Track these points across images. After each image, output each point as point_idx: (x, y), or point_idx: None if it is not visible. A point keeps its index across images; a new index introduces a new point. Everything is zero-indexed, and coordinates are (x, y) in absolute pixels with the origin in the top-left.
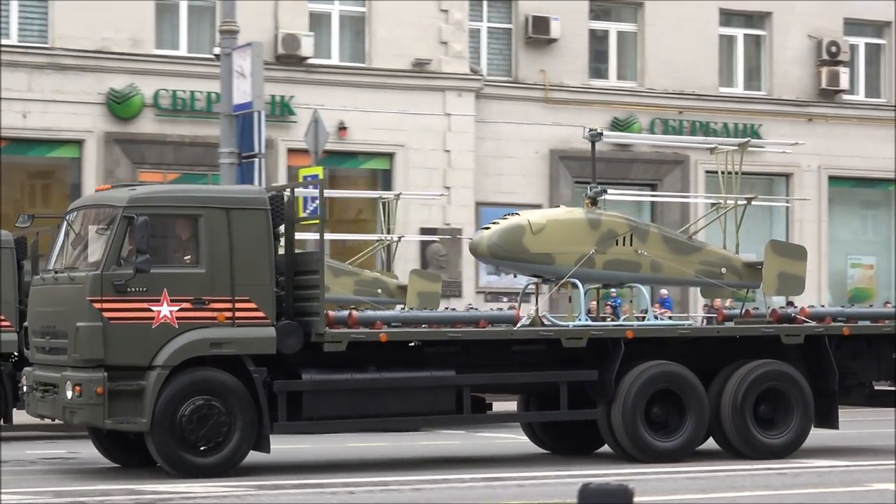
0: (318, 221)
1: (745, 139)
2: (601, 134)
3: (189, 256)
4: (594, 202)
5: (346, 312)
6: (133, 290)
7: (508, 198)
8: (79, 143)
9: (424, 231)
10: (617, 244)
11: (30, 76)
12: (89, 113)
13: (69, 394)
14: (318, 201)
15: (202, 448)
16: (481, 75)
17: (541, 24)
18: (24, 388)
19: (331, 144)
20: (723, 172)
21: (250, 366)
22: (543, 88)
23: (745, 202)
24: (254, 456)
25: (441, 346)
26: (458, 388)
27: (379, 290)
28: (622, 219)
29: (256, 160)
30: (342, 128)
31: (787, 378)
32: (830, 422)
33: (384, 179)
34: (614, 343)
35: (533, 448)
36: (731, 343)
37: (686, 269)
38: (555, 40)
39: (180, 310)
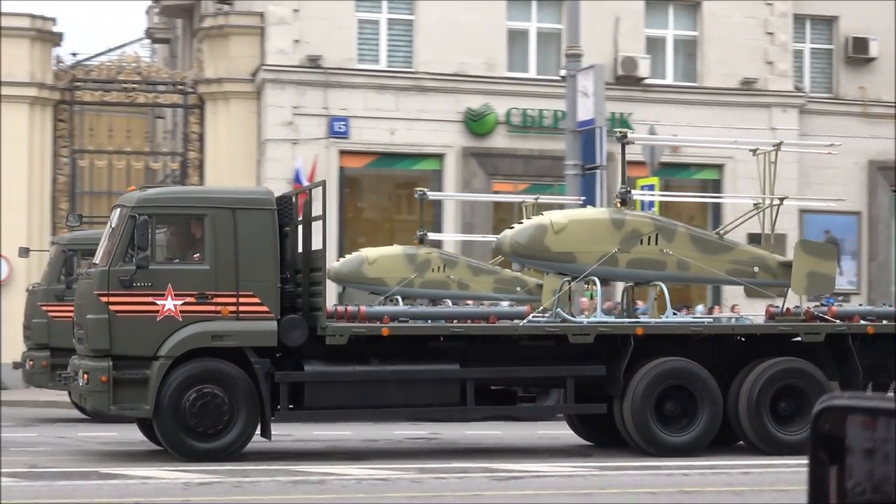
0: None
1: (779, 141)
2: (626, 135)
3: (197, 254)
4: (623, 202)
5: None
6: (138, 285)
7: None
8: (439, 157)
9: (751, 237)
10: (641, 243)
11: (396, 97)
12: (449, 130)
13: (81, 381)
14: (653, 208)
15: (205, 434)
16: (804, 92)
17: (860, 44)
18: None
19: (665, 157)
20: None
21: (252, 357)
22: (862, 104)
23: (779, 202)
24: (552, 438)
25: (447, 340)
26: (461, 381)
27: (518, 288)
28: (648, 218)
29: (598, 172)
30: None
31: (806, 376)
32: None
33: (714, 189)
34: (624, 339)
35: (576, 440)
36: (759, 341)
37: (715, 268)
38: (873, 59)
39: (184, 304)
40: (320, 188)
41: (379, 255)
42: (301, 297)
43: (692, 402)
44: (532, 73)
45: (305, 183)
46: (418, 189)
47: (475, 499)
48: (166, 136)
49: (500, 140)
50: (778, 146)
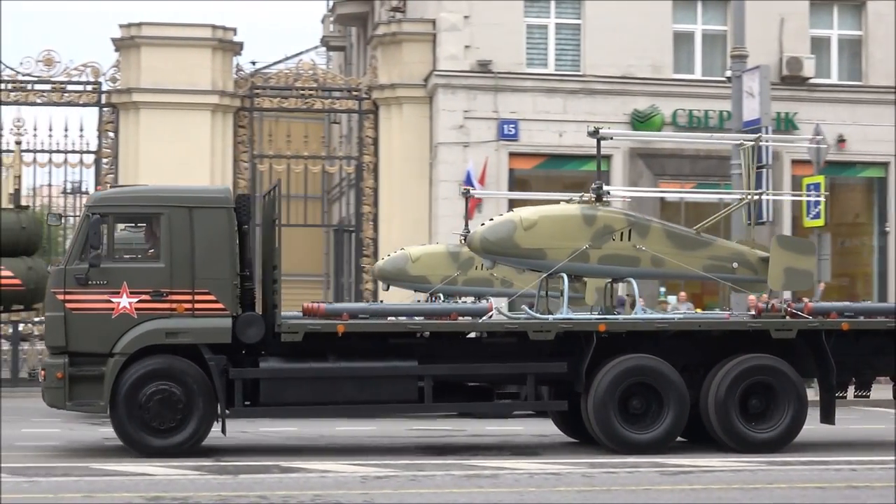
0: (821, 223)
1: (757, 135)
2: (598, 131)
3: (151, 251)
4: (598, 198)
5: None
6: (94, 282)
7: None
8: (607, 158)
9: None
10: (614, 240)
11: (565, 100)
12: (617, 132)
13: (39, 377)
14: (819, 206)
15: (160, 430)
16: None
17: None
18: None
19: (831, 155)
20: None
21: (207, 354)
22: None
23: (757, 197)
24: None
25: (405, 337)
26: (418, 377)
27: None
28: (620, 214)
29: (764, 170)
30: (841, 140)
31: (777, 372)
32: (827, 417)
33: (879, 187)
34: (587, 336)
35: (562, 437)
36: (737, 339)
37: (692, 264)
38: None
39: (139, 301)
40: (276, 190)
41: (422, 253)
42: (265, 294)
43: (658, 400)
44: (698, 74)
45: (477, 185)
46: (463, 187)
47: (645, 493)
48: (342, 140)
49: (667, 140)
50: (756, 139)
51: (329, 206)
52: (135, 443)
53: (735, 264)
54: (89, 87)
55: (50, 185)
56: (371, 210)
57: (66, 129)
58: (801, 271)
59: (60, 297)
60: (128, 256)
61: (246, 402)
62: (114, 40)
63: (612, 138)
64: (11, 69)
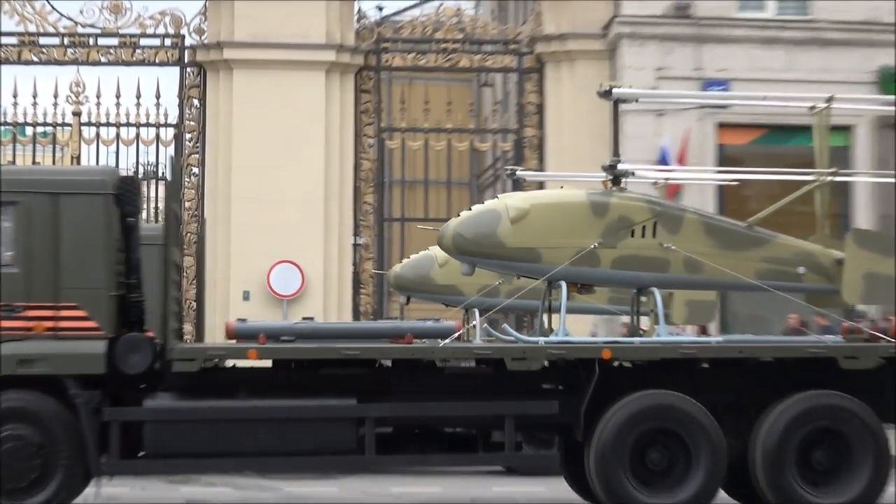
0: None
1: (830, 95)
2: (611, 90)
3: (8, 253)
4: (615, 181)
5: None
6: None
7: None
8: (846, 130)
9: None
10: (633, 235)
11: (789, 54)
12: (858, 94)
13: None
14: None
15: (11, 490)
16: None
17: None
18: None
19: None
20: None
21: (72, 389)
22: None
23: (829, 179)
24: None
25: (343, 367)
26: (357, 420)
27: (643, 298)
28: (643, 202)
29: None
30: None
31: (848, 415)
32: None
33: None
34: (588, 366)
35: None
36: (802, 369)
37: (741, 268)
38: None
39: None
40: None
41: None
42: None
43: (685, 453)
44: None
45: (675, 166)
46: (508, 167)
47: None
48: (496, 108)
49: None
50: (829, 100)
51: (480, 194)
52: None
53: (802, 269)
54: (168, 42)
55: (117, 168)
56: None
57: (138, 96)
58: (886, 278)
59: None
60: None
61: (140, 454)
62: None
63: (636, 100)
64: (70, 20)
